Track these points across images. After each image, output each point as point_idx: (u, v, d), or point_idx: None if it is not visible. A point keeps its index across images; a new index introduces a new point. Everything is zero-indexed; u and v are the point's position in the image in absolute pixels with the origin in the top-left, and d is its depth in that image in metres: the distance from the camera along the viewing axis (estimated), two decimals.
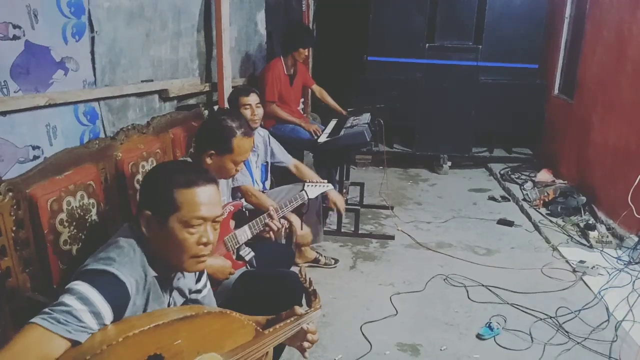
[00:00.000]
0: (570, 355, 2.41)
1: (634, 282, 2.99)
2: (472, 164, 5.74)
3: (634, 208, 3.39)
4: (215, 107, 3.51)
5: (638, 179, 3.34)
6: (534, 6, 5.24)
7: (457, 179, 5.35)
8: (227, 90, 3.35)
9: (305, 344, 1.41)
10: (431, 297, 2.92)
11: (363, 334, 2.53)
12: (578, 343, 2.49)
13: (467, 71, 5.28)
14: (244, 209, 2.31)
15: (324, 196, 2.96)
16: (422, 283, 3.06)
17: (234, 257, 2.04)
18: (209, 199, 1.23)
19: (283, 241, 2.63)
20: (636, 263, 3.22)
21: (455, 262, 3.35)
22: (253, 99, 2.71)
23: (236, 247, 2.05)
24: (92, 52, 2.30)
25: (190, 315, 1.10)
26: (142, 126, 2.52)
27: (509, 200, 4.62)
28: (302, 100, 4.49)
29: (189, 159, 2.00)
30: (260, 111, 2.75)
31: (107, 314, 1.05)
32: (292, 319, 1.38)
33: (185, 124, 2.91)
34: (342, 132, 3.56)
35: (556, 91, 5.35)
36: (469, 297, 2.92)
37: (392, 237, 3.71)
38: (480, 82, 5.30)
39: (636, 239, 3.36)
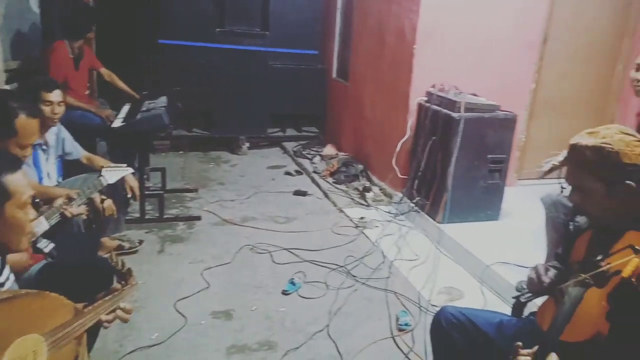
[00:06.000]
0: (358, 294, 2.91)
1: (400, 229, 3.70)
2: (268, 143, 6.13)
3: (397, 170, 4.14)
4: None
5: (398, 146, 4.08)
6: None
7: (255, 158, 5.67)
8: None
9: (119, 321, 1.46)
10: (240, 266, 3.15)
11: (177, 310, 2.63)
12: (363, 283, 3.02)
13: (257, 56, 5.58)
14: (36, 200, 2.17)
15: (123, 184, 2.89)
16: (230, 255, 3.26)
17: (31, 250, 1.93)
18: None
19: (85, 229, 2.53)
20: (402, 214, 3.96)
21: (260, 233, 3.64)
22: (56, 95, 2.53)
23: (32, 239, 1.94)
24: None
25: (7, 298, 1.08)
26: None
27: (302, 174, 5.11)
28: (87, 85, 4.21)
29: None
30: (61, 109, 2.58)
31: None
32: (110, 296, 1.43)
33: None
34: (138, 116, 3.49)
35: (334, 75, 6.04)
36: (273, 261, 3.23)
37: (198, 218, 3.81)
38: (270, 67, 5.67)
39: (401, 195, 4.12)
